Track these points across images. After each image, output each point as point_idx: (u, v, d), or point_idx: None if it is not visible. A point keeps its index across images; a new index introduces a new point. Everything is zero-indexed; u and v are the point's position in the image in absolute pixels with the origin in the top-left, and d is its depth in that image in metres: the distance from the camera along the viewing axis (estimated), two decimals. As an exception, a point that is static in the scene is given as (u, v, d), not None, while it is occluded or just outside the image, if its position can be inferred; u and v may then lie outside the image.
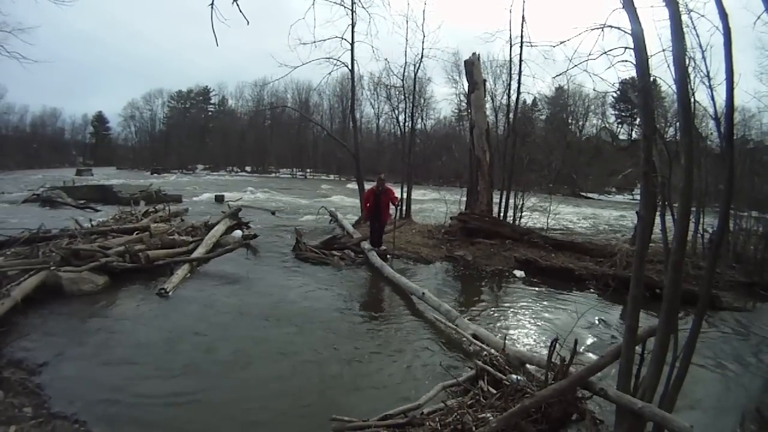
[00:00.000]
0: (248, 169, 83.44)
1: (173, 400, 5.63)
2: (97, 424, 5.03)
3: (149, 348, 7.06)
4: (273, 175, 78.93)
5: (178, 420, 5.31)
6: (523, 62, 19.24)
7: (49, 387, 5.63)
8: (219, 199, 28.33)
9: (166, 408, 5.47)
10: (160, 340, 7.36)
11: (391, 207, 14.52)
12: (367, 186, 16.82)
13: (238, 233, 15.49)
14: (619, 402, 4.68)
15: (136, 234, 12.29)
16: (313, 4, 18.05)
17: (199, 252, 12.20)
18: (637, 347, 4.89)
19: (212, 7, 4.86)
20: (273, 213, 21.77)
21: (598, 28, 5.52)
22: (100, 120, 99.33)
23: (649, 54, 4.64)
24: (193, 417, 5.40)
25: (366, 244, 14.28)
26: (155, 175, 60.48)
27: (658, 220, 5.01)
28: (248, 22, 5.17)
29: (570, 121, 78.51)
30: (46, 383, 5.72)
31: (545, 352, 6.10)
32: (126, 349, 6.95)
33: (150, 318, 8.32)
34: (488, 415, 5.04)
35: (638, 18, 4.49)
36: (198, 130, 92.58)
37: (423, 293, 9.89)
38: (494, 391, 5.62)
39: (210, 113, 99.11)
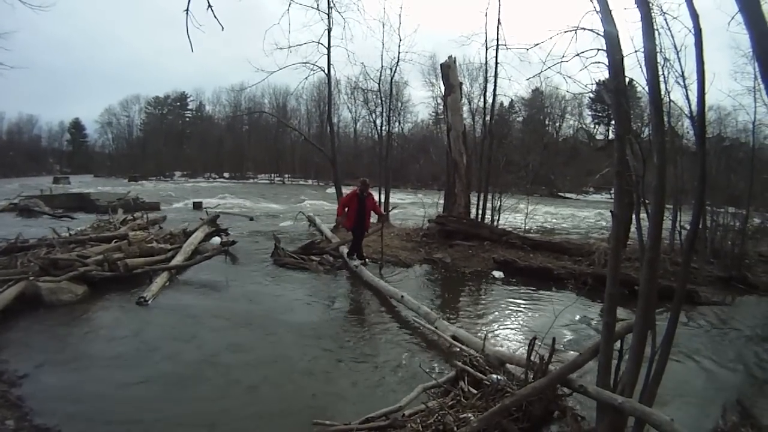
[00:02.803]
0: (226, 175, 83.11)
1: (155, 410, 5.59)
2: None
3: (130, 358, 7.00)
4: (251, 180, 78.69)
5: (160, 429, 5.29)
6: (499, 65, 19.37)
7: (31, 399, 5.57)
8: (197, 206, 28.17)
9: (148, 418, 5.41)
10: (141, 350, 7.30)
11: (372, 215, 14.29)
12: (345, 190, 16.69)
13: (216, 240, 15.44)
14: (599, 398, 4.73)
15: (115, 242, 12.22)
16: (288, 9, 18.13)
17: (177, 260, 12.14)
18: (615, 343, 4.95)
19: (187, 14, 4.86)
20: (251, 219, 21.78)
21: (571, 31, 5.57)
22: (77, 127, 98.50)
23: (622, 55, 4.70)
24: (176, 426, 5.38)
25: (344, 249, 14.27)
26: (133, 182, 59.99)
27: (635, 218, 5.07)
28: (223, 28, 5.19)
29: (547, 122, 79.20)
30: (27, 395, 5.66)
31: (525, 351, 6.15)
32: (107, 360, 6.88)
33: (130, 327, 8.24)
34: (469, 415, 5.07)
35: (612, 20, 4.55)
36: (175, 136, 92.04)
37: (402, 296, 9.91)
38: (475, 392, 5.65)
39: (187, 119, 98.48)
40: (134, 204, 25.10)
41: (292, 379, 6.65)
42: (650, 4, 4.42)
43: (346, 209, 13.74)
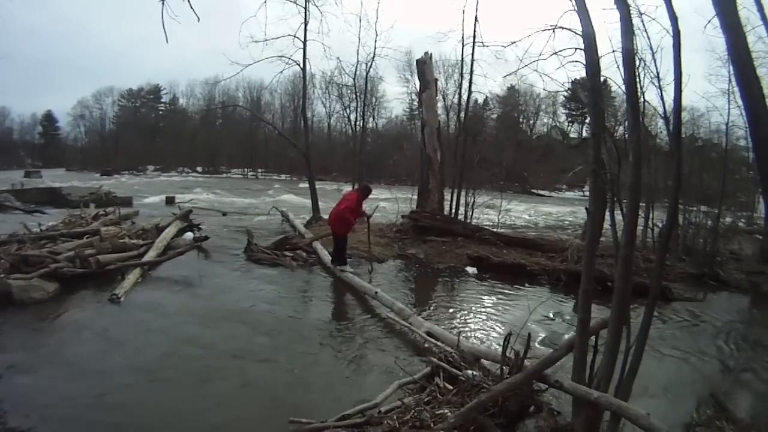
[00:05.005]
0: (199, 169, 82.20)
1: (130, 410, 5.53)
2: (55, 437, 4.92)
3: (103, 357, 6.89)
4: (224, 175, 77.91)
5: (135, 430, 5.25)
6: (474, 62, 19.51)
7: (4, 400, 5.44)
8: (170, 201, 27.76)
9: (123, 418, 5.36)
10: (114, 349, 7.19)
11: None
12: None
13: (189, 235, 15.31)
14: (575, 393, 4.77)
15: (87, 238, 12.06)
16: (265, 1, 17.98)
17: (150, 255, 12.00)
18: (590, 339, 4.99)
19: (163, 3, 4.80)
20: (224, 214, 21.56)
21: (549, 29, 5.60)
22: (49, 119, 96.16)
23: (599, 55, 4.74)
24: (151, 426, 5.33)
25: (324, 254, 13.95)
26: (105, 176, 59.15)
27: (608, 216, 5.12)
28: (199, 19, 5.11)
29: (521, 120, 79.69)
30: (0, 396, 5.54)
31: (499, 346, 6.18)
32: (80, 359, 6.77)
33: (103, 325, 8.09)
34: (446, 411, 5.09)
35: (590, 19, 4.58)
36: (148, 129, 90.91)
37: (376, 292, 9.96)
38: (451, 388, 5.68)
39: (161, 112, 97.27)
40: (106, 198, 24.67)
41: (266, 377, 6.63)
42: (629, 5, 4.47)
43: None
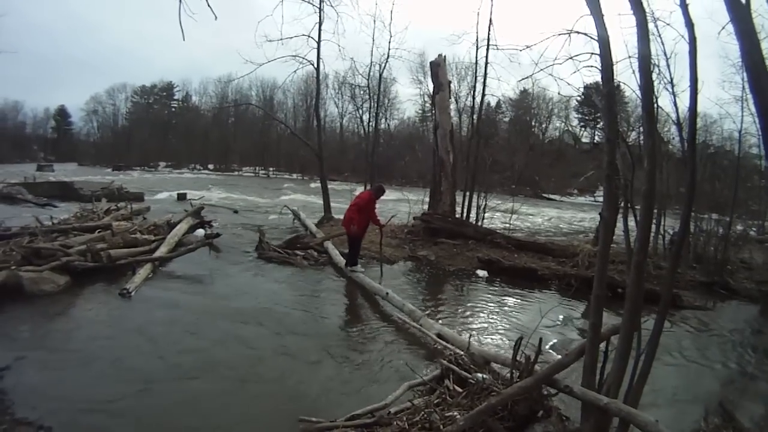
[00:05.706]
0: (211, 167, 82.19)
1: (138, 405, 5.55)
2: (62, 430, 4.94)
3: (112, 351, 6.90)
4: (236, 173, 77.96)
5: (143, 426, 5.24)
6: (488, 65, 19.51)
7: (12, 392, 5.47)
8: (181, 198, 27.83)
9: (131, 413, 5.37)
10: (123, 343, 7.22)
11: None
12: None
13: (200, 232, 15.37)
14: (584, 398, 4.76)
15: (98, 232, 12.08)
16: (282, 1, 18.02)
17: (161, 251, 12.03)
18: (600, 345, 4.98)
19: (180, 1, 4.83)
20: (236, 212, 21.66)
21: (564, 34, 5.60)
22: (62, 114, 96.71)
23: (614, 60, 4.73)
24: (158, 422, 5.34)
25: (335, 253, 13.97)
26: (117, 171, 59.34)
27: (620, 221, 5.11)
28: (216, 18, 5.15)
29: (533, 123, 79.41)
30: (8, 388, 5.55)
31: (510, 350, 6.18)
32: (89, 353, 6.79)
33: (112, 319, 8.17)
34: (455, 413, 5.08)
35: (605, 25, 4.57)
36: (161, 126, 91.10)
37: (387, 293, 9.95)
38: (460, 390, 5.66)
39: (173, 109, 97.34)
40: (118, 194, 24.83)
41: (277, 376, 6.62)
42: (645, 11, 4.45)
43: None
